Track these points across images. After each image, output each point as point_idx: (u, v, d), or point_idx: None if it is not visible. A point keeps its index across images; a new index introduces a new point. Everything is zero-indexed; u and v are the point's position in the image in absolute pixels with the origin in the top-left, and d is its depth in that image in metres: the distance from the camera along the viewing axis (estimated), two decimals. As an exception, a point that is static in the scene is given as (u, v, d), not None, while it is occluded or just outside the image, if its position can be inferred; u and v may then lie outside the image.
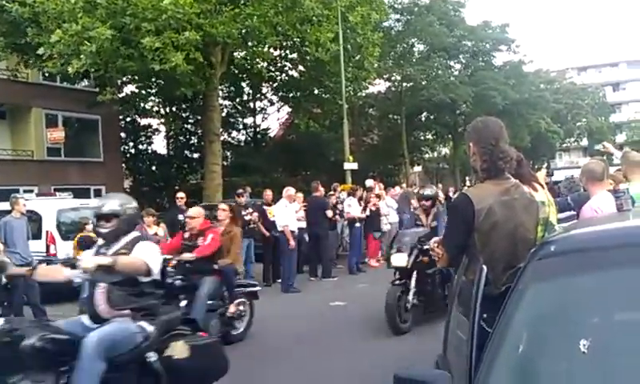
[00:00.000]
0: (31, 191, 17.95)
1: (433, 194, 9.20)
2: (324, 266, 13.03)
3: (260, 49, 19.85)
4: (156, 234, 10.28)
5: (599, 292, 2.07)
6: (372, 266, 14.54)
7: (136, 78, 20.39)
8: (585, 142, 53.50)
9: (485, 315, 2.32)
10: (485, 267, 2.37)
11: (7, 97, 21.72)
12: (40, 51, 14.70)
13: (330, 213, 13.08)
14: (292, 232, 11.86)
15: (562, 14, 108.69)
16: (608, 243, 2.21)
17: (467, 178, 38.67)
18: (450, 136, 39.48)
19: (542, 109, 39.46)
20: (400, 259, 7.87)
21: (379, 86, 34.34)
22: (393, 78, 34.43)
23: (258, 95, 31.34)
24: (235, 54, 20.29)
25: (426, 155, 42.78)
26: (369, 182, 17.51)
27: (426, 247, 7.47)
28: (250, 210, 12.31)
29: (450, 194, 24.91)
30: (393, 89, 35.37)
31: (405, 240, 8.06)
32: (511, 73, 37.33)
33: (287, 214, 12.00)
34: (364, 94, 29.68)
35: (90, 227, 10.09)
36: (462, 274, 3.02)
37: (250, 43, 19.13)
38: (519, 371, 2.01)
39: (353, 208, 14.11)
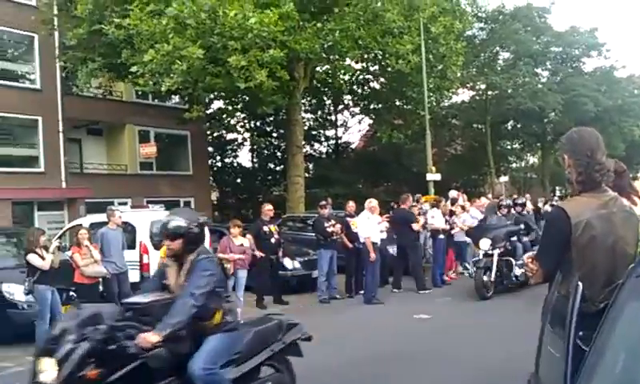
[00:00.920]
0: (125, 203, 18.92)
1: (183, 228, 4.24)
2: (417, 279, 12.83)
3: (341, 63, 20.04)
4: (242, 244, 10.53)
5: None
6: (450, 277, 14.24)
7: (223, 94, 21.07)
8: (684, 150, 50.21)
9: (581, 333, 2.24)
10: (580, 283, 2.29)
11: (104, 115, 23.06)
12: (133, 69, 15.49)
13: (416, 226, 12.93)
14: (374, 244, 11.84)
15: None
16: None
17: (557, 189, 37.24)
18: (538, 145, 38.21)
19: (635, 115, 37.47)
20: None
21: (463, 95, 33.86)
22: (477, 87, 33.80)
23: (340, 107, 31.62)
24: (317, 68, 20.58)
25: (513, 165, 41.64)
26: (452, 193, 17.24)
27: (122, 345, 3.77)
28: (333, 221, 12.40)
29: (540, 205, 24.03)
30: (477, 98, 34.74)
31: (70, 329, 3.71)
32: (602, 79, 35.74)
33: (369, 225, 12.00)
34: (447, 104, 29.27)
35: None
36: (556, 290, 2.93)
37: (331, 57, 19.36)
38: (617, 392, 1.93)
39: (436, 220, 13.92)
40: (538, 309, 3.19)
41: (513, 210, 13.82)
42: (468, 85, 32.10)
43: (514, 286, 11.83)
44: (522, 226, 12.82)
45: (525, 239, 12.72)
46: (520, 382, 3.11)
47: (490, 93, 33.64)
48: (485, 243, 11.73)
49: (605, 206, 2.87)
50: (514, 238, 12.47)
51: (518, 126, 36.56)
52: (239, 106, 24.36)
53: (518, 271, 11.68)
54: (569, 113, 31.58)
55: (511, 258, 11.93)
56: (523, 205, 14.90)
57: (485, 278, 11.38)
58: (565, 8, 73.44)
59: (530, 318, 3.57)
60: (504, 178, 38.30)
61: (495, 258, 11.54)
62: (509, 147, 39.74)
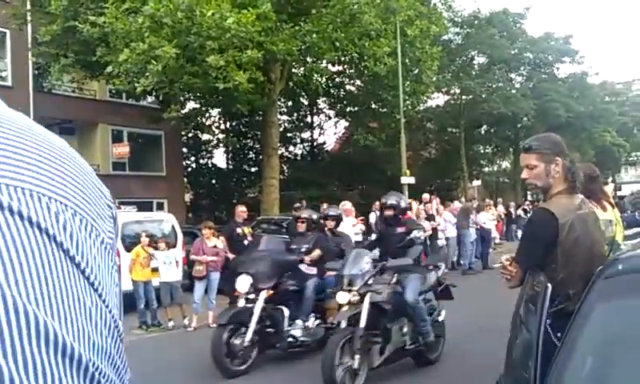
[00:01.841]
0: (97, 204, 18.59)
1: None
2: None
3: (318, 64, 20.06)
4: (215, 246, 10.45)
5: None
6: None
7: (199, 94, 20.93)
8: (653, 156, 51.53)
9: (559, 334, 2.26)
10: (549, 285, 2.31)
11: (76, 114, 22.70)
12: (108, 70, 15.28)
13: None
14: (348, 246, 11.81)
15: (628, 24, 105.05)
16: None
17: (528, 193, 37.83)
18: (510, 150, 38.77)
19: (607, 122, 38.30)
20: None
21: (437, 99, 34.13)
22: (452, 92, 34.13)
23: (315, 110, 31.65)
24: (294, 70, 20.55)
25: (486, 169, 42.11)
26: (425, 197, 17.38)
27: None
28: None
29: (512, 210, 24.25)
30: (452, 102, 35.06)
31: None
32: (575, 85, 36.41)
33: (343, 228, 11.98)
34: (422, 108, 29.51)
35: (145, 241, 10.38)
36: (527, 290, 2.95)
37: (308, 59, 19.36)
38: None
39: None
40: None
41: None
42: (443, 89, 32.38)
43: (295, 348, 7.10)
44: (319, 251, 7.84)
45: (330, 274, 7.55)
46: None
47: (464, 97, 33.97)
48: (243, 283, 7.03)
49: (580, 207, 2.92)
50: (312, 271, 7.72)
51: (492, 130, 37.03)
52: (214, 106, 24.19)
53: (299, 328, 7.17)
54: (541, 118, 32.15)
55: (283, 307, 7.16)
56: (337, 218, 9.42)
57: (235, 341, 6.61)
58: (540, 12, 74.65)
59: None
60: (477, 183, 38.72)
61: (258, 307, 6.80)
62: (482, 151, 40.20)
